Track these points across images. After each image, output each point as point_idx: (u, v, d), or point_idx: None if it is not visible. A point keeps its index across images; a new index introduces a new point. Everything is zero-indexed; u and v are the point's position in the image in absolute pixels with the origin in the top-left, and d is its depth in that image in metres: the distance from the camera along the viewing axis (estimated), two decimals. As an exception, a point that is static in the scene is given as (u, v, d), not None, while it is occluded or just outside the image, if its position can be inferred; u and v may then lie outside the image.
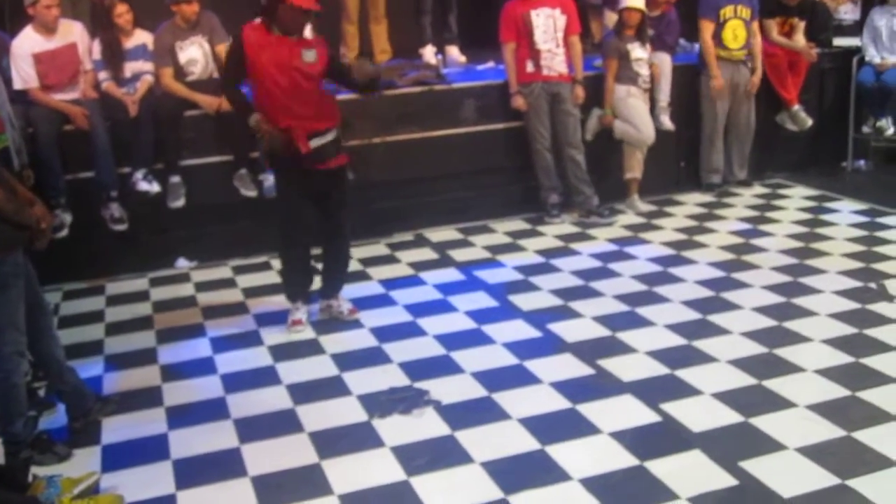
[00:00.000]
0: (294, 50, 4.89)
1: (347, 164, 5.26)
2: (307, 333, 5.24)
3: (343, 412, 4.28)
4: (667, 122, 7.46)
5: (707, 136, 7.74)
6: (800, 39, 7.93)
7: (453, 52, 8.32)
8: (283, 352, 5.01)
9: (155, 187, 6.31)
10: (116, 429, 4.26)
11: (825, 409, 4.07)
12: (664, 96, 7.44)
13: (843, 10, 8.78)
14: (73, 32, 6.19)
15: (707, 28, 7.50)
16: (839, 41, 8.55)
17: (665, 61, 7.44)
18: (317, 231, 5.33)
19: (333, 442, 4.01)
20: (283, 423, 4.21)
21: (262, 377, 4.72)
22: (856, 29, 8.49)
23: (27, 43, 5.99)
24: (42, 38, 6.02)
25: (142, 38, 6.44)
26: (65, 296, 6.10)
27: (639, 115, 7.16)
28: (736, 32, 7.48)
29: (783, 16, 7.91)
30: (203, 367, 4.90)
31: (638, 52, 7.11)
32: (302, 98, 4.93)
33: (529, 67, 6.97)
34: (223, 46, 6.52)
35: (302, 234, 5.25)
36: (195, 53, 6.50)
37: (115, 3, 6.33)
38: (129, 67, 6.40)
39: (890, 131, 8.15)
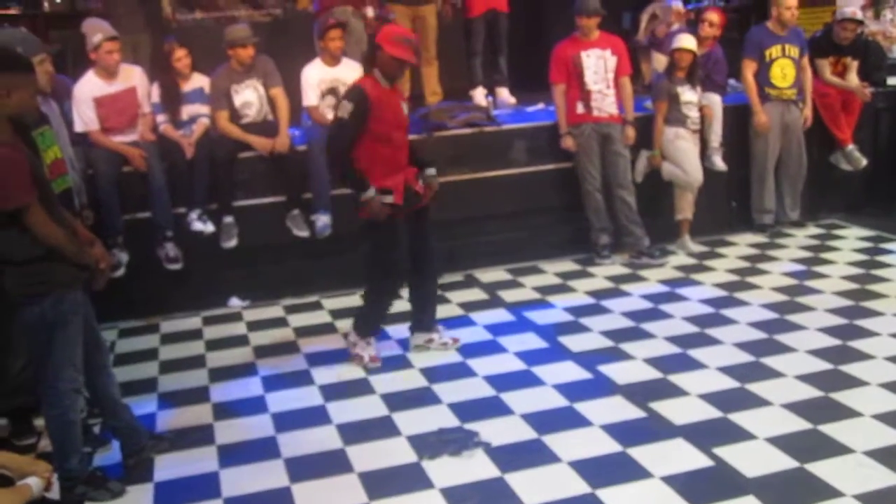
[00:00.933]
0: (399, 101, 5.14)
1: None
2: (357, 373, 5.26)
3: (393, 453, 4.28)
4: (719, 163, 7.41)
5: (757, 175, 7.68)
6: (853, 79, 7.86)
7: (503, 93, 8.40)
8: (334, 391, 5.04)
9: (209, 227, 6.41)
10: (169, 466, 4.31)
11: (883, 455, 3.98)
12: (716, 137, 7.41)
13: (896, 49, 8.70)
14: (134, 77, 6.35)
15: (749, 67, 7.49)
16: (893, 80, 8.45)
17: (716, 102, 7.42)
18: (417, 270, 5.41)
19: (383, 483, 4.01)
20: (333, 463, 4.22)
21: (313, 417, 4.74)
22: (910, 68, 8.40)
23: (88, 87, 6.15)
24: (103, 83, 6.18)
25: (199, 81, 6.59)
26: (121, 333, 6.21)
27: (687, 157, 7.13)
28: (785, 71, 7.44)
29: (836, 55, 7.85)
30: (254, 405, 4.94)
31: (688, 94, 7.09)
32: (404, 147, 5.19)
33: (580, 108, 6.99)
34: (278, 90, 6.67)
35: (402, 282, 5.43)
36: (250, 97, 6.63)
37: (174, 48, 6.50)
38: (187, 110, 6.55)
39: (947, 170, 8.03)
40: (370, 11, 7.83)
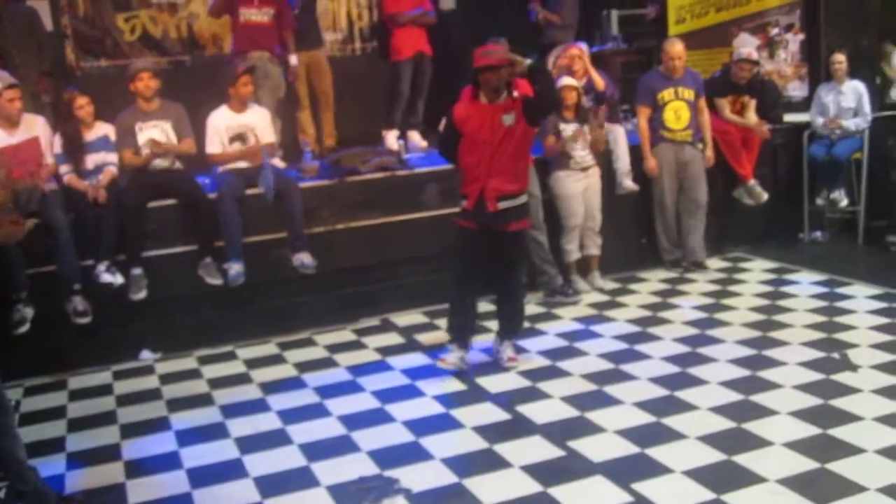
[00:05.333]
0: (496, 114, 5.43)
1: (527, 230, 5.93)
2: (273, 423, 5.18)
3: (312, 504, 4.21)
4: (630, 184, 7.53)
5: (657, 215, 7.81)
6: (752, 117, 8.13)
7: (415, 136, 8.45)
8: (250, 443, 4.93)
9: (118, 279, 6.26)
10: (79, 529, 4.16)
11: (795, 483, 4.08)
12: (623, 164, 7.54)
13: (791, 87, 9.04)
14: (36, 126, 6.20)
15: (643, 113, 7.68)
16: (789, 117, 8.78)
17: (619, 132, 7.61)
18: (493, 285, 5.87)
19: (303, 535, 3.95)
20: (250, 518, 4.13)
21: (229, 470, 4.63)
22: (804, 105, 8.74)
23: (-11, 138, 6.00)
24: (4, 133, 6.03)
25: (103, 129, 6.49)
26: (26, 392, 5.98)
27: (564, 203, 7.20)
28: (679, 114, 7.60)
29: (734, 94, 8.12)
30: (168, 461, 4.80)
31: (570, 130, 7.09)
32: (487, 160, 5.44)
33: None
34: (189, 141, 6.59)
35: (472, 287, 5.81)
36: (156, 135, 6.52)
37: (75, 97, 6.38)
38: (91, 159, 6.43)
39: (844, 203, 8.35)
40: (293, 59, 7.81)
